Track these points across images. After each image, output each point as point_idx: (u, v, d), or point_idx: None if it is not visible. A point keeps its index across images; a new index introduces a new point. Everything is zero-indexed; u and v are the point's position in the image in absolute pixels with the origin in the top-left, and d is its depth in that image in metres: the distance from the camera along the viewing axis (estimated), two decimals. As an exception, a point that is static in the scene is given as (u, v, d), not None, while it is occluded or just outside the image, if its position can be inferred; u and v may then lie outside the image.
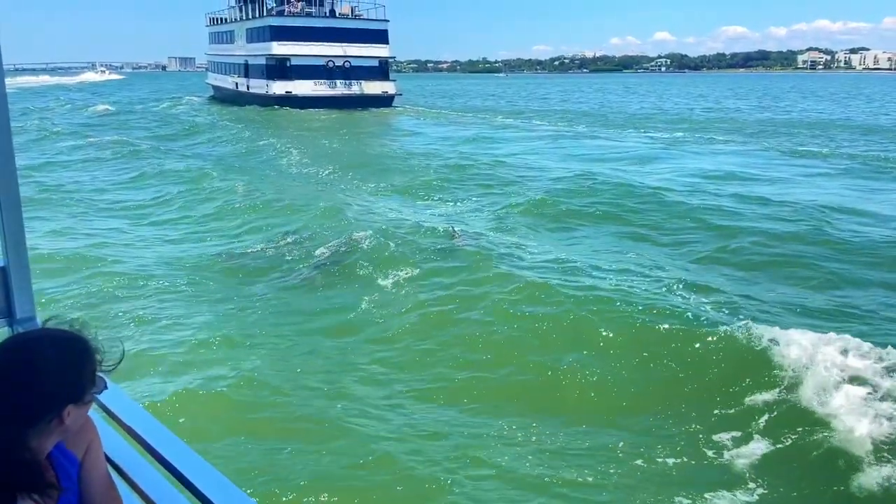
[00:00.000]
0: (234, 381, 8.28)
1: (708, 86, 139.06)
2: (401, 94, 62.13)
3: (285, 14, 58.12)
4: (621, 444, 7.27)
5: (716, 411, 7.83)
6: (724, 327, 9.33)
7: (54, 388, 1.81)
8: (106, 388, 1.95)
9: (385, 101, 58.67)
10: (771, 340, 8.80)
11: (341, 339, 9.84)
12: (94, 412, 2.09)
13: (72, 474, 1.97)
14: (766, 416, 7.59)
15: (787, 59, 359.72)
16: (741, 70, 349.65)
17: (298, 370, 8.73)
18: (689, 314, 9.83)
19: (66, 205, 18.75)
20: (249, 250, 14.18)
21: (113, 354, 1.96)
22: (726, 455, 7.00)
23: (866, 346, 8.55)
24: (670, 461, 6.94)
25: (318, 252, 13.70)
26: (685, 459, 6.98)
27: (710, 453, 7.06)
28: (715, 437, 7.30)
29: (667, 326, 9.51)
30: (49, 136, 36.24)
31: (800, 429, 7.32)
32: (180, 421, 7.40)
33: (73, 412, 1.85)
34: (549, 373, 8.72)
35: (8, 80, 2.52)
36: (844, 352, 8.42)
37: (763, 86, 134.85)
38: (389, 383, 8.54)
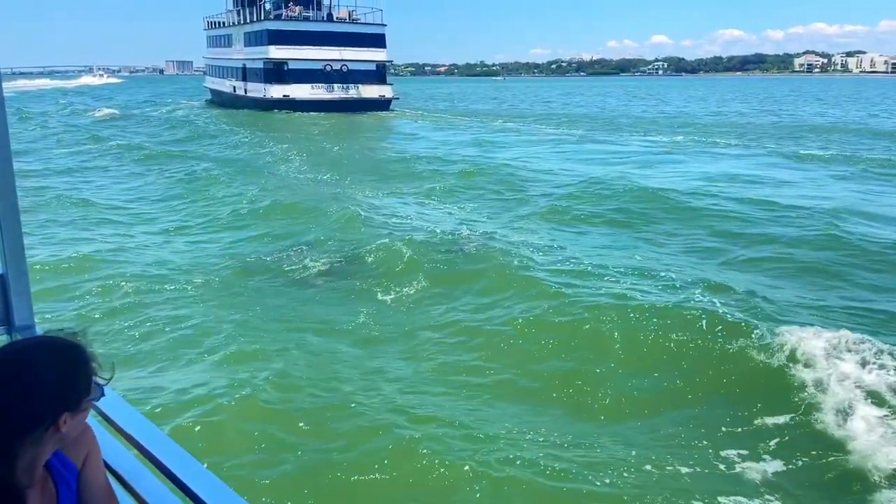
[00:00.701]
0: (249, 389, 8.13)
1: (707, 89, 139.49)
2: (398, 98, 62.10)
3: (283, 18, 58.07)
4: (633, 452, 7.20)
5: (731, 422, 7.70)
6: (741, 338, 9.23)
7: (50, 396, 1.79)
8: (103, 395, 1.94)
9: (382, 104, 58.70)
10: (789, 350, 8.69)
11: (359, 345, 9.71)
12: (92, 420, 2.06)
13: (70, 483, 1.97)
14: (781, 430, 7.48)
15: (783, 63, 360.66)
16: (738, 73, 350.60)
17: (316, 377, 8.58)
18: (704, 323, 9.73)
19: (69, 211, 18.56)
20: (261, 258, 14.02)
21: (107, 365, 1.96)
22: (738, 468, 6.89)
23: (886, 354, 8.41)
24: (683, 470, 6.88)
25: (331, 258, 13.61)
26: (698, 469, 6.91)
27: (722, 466, 6.97)
28: (729, 450, 7.18)
29: (682, 335, 9.45)
30: (51, 140, 36.16)
31: (816, 445, 7.22)
32: (197, 430, 7.29)
33: (69, 420, 1.83)
34: (564, 379, 8.65)
35: (6, 84, 2.41)
36: (863, 363, 8.27)
37: (763, 89, 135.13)
38: (404, 386, 8.43)
